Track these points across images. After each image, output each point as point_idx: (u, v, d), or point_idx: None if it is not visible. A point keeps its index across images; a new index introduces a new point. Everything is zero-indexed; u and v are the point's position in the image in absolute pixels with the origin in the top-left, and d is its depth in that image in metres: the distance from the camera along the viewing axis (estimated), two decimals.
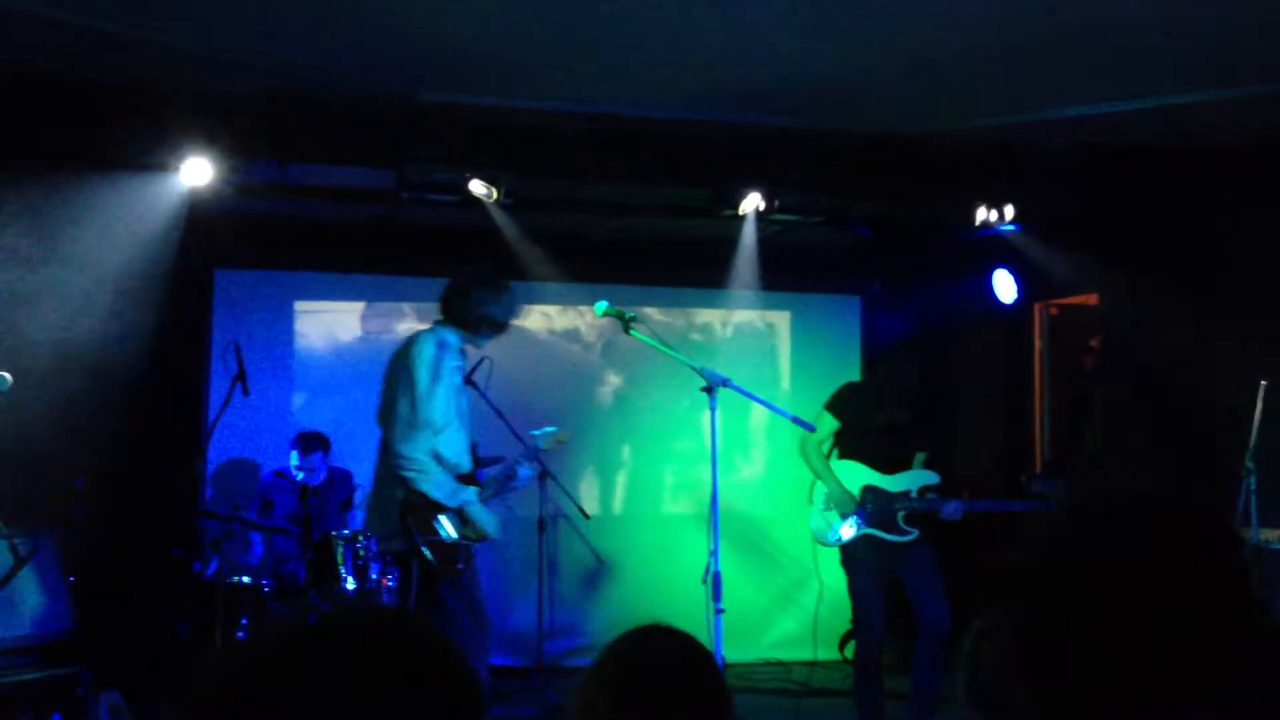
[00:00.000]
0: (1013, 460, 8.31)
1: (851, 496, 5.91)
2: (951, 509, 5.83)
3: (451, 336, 5.19)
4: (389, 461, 5.09)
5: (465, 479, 5.24)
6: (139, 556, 6.83)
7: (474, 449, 5.40)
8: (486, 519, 5.22)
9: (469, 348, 5.34)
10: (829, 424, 6.02)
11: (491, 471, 5.50)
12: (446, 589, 5.12)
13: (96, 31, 5.20)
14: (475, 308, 5.18)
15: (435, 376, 5.01)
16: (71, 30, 5.18)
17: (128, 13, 5.10)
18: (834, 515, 5.93)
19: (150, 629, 6.42)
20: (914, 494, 5.91)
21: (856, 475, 5.96)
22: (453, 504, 5.10)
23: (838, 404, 6.05)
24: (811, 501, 6.09)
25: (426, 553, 5.02)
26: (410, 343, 5.15)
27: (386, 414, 5.15)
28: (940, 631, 5.73)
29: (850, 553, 5.91)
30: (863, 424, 5.97)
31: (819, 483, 6.03)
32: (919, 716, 5.87)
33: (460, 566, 5.17)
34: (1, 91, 5.81)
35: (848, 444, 6.02)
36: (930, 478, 5.95)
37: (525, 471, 5.50)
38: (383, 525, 5.20)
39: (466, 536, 5.20)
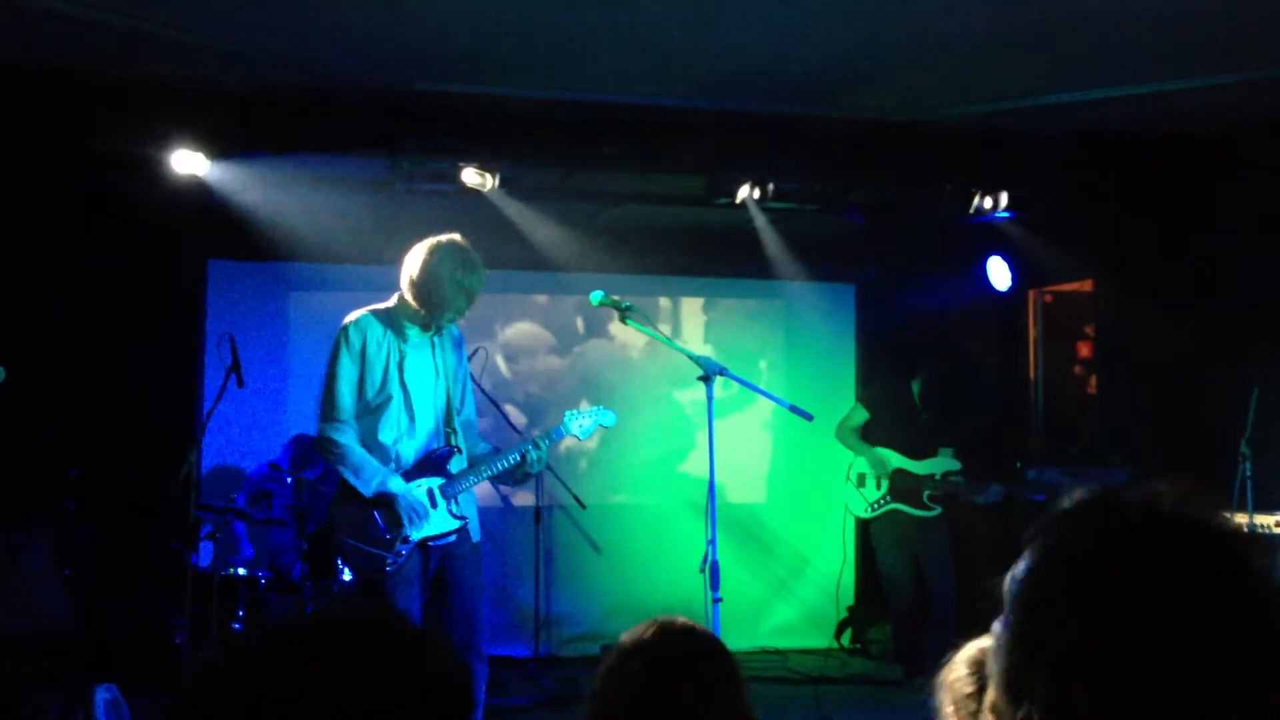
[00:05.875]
0: (1008, 447, 8.32)
1: (882, 460, 6.91)
2: (993, 492, 6.71)
3: (382, 314, 4.78)
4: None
5: (419, 467, 4.79)
6: (133, 548, 6.81)
7: (449, 435, 4.89)
8: (411, 512, 4.65)
9: (427, 324, 4.81)
10: (861, 415, 7.06)
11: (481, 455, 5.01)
12: (391, 591, 4.64)
13: (87, 22, 5.17)
14: (415, 281, 4.72)
15: (344, 353, 4.66)
16: (63, 20, 5.15)
17: (118, 2, 5.08)
18: (867, 490, 6.94)
19: (145, 621, 6.41)
20: (938, 477, 6.83)
21: (889, 460, 6.92)
22: (367, 492, 4.61)
23: (869, 399, 7.18)
24: (848, 480, 7.08)
25: (349, 553, 4.59)
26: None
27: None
28: (948, 603, 6.58)
29: (878, 526, 6.92)
30: (891, 417, 6.97)
31: (854, 462, 7.03)
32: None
33: (389, 569, 4.63)
34: None
35: (880, 434, 6.98)
36: (953, 464, 6.88)
37: (534, 454, 4.92)
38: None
39: (395, 533, 4.66)
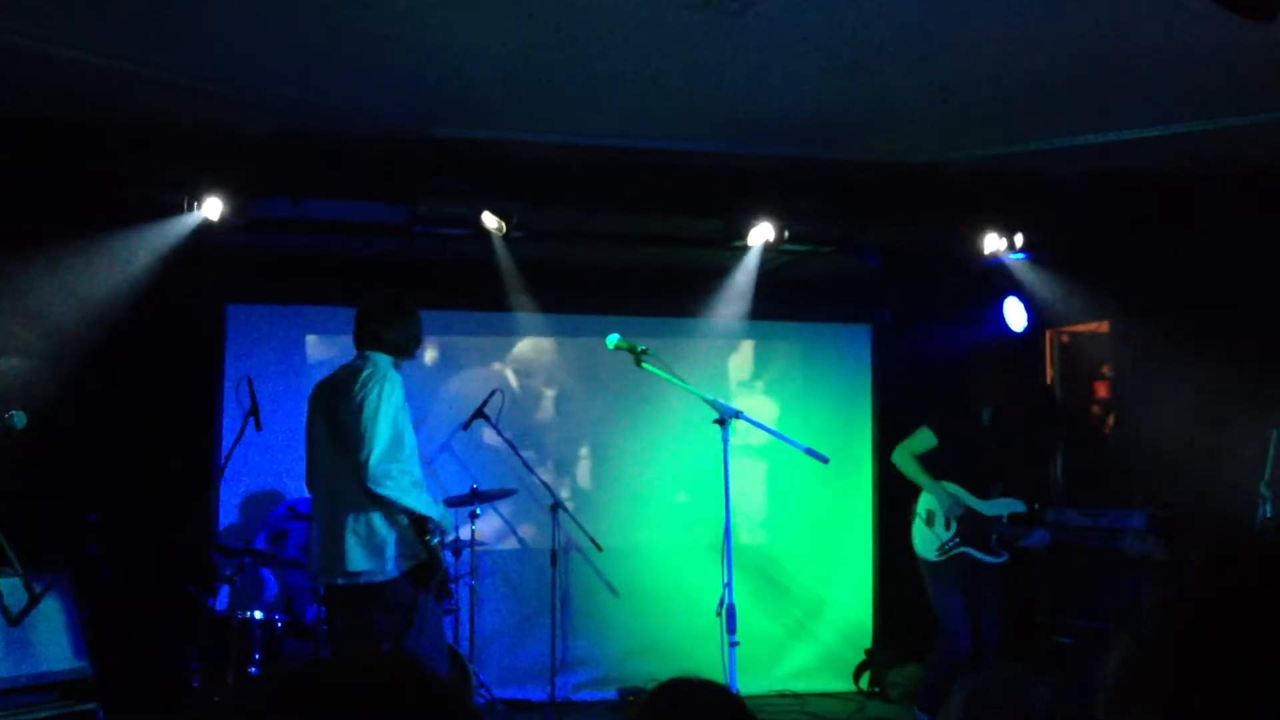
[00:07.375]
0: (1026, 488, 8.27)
1: (958, 500, 6.35)
2: (1037, 538, 6.32)
3: (390, 361, 5.31)
4: (362, 487, 4.98)
5: None
6: (152, 591, 6.83)
7: None
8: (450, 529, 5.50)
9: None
10: (928, 440, 6.43)
11: None
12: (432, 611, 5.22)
13: (109, 70, 5.25)
14: (397, 334, 5.31)
15: (399, 395, 5.14)
16: (85, 69, 5.23)
17: (140, 51, 5.15)
18: (938, 529, 6.39)
19: (164, 664, 6.42)
20: (1005, 519, 6.39)
21: (962, 498, 6.41)
22: (436, 515, 5.17)
23: (940, 425, 6.48)
24: (916, 516, 6.53)
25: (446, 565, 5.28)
26: (366, 370, 5.16)
27: (354, 442, 5.01)
28: (994, 651, 6.21)
29: (943, 567, 6.38)
30: (963, 448, 6.43)
31: (921, 500, 6.48)
32: None
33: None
34: (12, 130, 5.85)
35: (945, 465, 6.43)
36: (1019, 506, 6.43)
37: None
38: (370, 558, 5.01)
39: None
